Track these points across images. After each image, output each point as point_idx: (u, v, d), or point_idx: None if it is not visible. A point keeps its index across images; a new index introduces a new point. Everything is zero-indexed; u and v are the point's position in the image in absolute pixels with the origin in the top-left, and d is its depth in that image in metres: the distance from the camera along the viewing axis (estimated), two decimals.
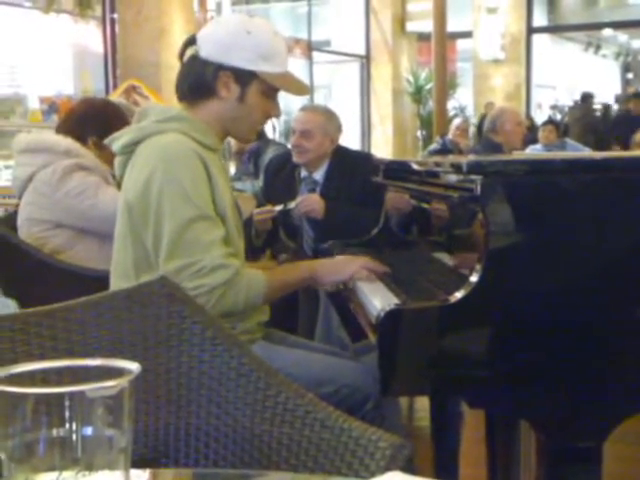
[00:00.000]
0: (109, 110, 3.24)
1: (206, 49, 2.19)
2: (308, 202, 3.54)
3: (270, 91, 2.25)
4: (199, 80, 2.21)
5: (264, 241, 3.51)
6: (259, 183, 4.43)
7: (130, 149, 2.18)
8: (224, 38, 2.19)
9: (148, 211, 2.07)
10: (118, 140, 2.21)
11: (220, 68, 2.19)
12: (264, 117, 2.33)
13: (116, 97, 7.62)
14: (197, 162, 2.09)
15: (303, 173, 3.75)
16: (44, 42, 9.82)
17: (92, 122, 3.12)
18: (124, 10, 9.21)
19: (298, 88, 2.35)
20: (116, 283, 2.21)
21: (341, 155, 3.73)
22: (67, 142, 2.99)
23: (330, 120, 3.76)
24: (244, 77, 2.20)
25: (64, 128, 3.15)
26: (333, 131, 3.72)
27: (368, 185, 3.13)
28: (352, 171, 3.64)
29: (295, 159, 3.70)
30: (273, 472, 1.24)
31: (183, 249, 2.04)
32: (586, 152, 8.51)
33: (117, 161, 2.24)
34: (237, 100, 2.22)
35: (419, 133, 14.51)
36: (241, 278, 2.08)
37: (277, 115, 2.36)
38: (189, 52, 2.24)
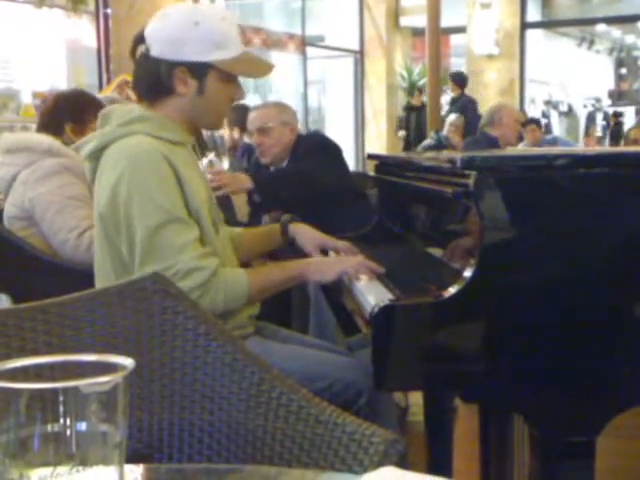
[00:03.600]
0: (81, 97, 3.28)
1: (156, 47, 2.15)
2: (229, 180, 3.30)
3: (229, 76, 2.21)
4: (155, 80, 2.17)
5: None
6: None
7: (96, 155, 2.16)
8: (172, 34, 2.14)
9: (118, 218, 2.05)
10: (86, 145, 2.19)
11: (174, 65, 2.15)
12: (229, 103, 2.29)
13: (109, 92, 7.61)
14: (163, 164, 2.06)
15: (271, 169, 3.69)
16: (37, 37, 9.79)
17: (65, 110, 3.15)
18: (117, 5, 9.19)
19: (258, 69, 2.31)
20: (99, 283, 2.21)
21: (300, 143, 3.64)
22: (49, 141, 3.00)
23: (284, 110, 3.67)
24: (199, 70, 2.16)
25: (41, 124, 3.16)
26: (291, 119, 3.63)
27: (333, 170, 3.08)
28: (309, 157, 3.55)
29: (262, 160, 3.63)
30: (267, 467, 1.24)
31: (156, 254, 2.02)
32: (579, 147, 8.52)
33: (87, 167, 2.22)
34: (196, 94, 2.18)
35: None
36: (218, 279, 2.05)
37: (241, 97, 2.31)
38: (139, 50, 2.19)
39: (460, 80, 12.38)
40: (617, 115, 14.13)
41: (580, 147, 9.45)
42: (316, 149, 3.45)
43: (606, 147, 12.34)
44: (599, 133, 15.23)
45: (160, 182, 2.05)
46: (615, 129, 13.72)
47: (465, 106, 11.76)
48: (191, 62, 2.15)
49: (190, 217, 2.09)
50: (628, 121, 14.49)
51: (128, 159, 2.07)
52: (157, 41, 2.15)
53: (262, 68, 2.32)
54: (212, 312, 2.02)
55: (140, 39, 2.19)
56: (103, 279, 2.19)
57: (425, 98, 12.71)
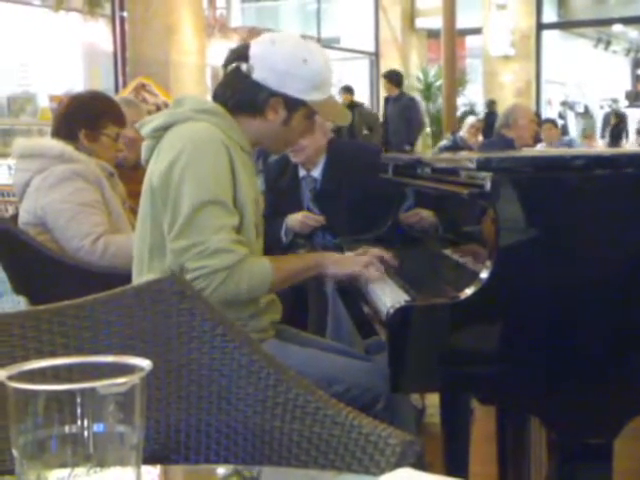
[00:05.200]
0: (96, 101, 3.23)
1: (261, 73, 2.20)
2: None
3: (313, 114, 2.30)
4: (249, 100, 2.23)
5: (290, 241, 3.47)
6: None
7: (159, 134, 2.21)
8: (280, 65, 2.20)
9: (169, 191, 2.11)
10: (149, 123, 2.24)
11: (273, 94, 2.21)
12: (300, 136, 2.41)
13: (126, 95, 7.64)
14: (222, 152, 2.13)
15: (302, 172, 3.64)
16: (54, 40, 9.85)
17: (79, 115, 3.11)
18: (133, 8, 9.23)
19: (339, 113, 2.42)
20: (134, 270, 2.26)
21: (337, 148, 3.62)
22: (60, 146, 2.98)
23: None
24: (294, 104, 2.23)
25: (54, 129, 3.15)
26: (324, 122, 3.61)
27: (372, 177, 3.09)
28: (351, 162, 3.55)
29: (293, 159, 3.61)
30: (283, 468, 1.24)
31: (193, 229, 2.07)
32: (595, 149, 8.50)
33: (144, 145, 2.27)
34: (282, 123, 2.25)
35: (428, 130, 14.50)
36: (244, 265, 2.09)
37: (312, 133, 2.41)
38: (240, 66, 2.23)
39: (396, 79, 11.84)
40: (619, 116, 14.11)
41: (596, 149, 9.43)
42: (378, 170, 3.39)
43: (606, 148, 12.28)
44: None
45: (215, 166, 2.11)
46: (616, 130, 13.68)
47: (407, 106, 11.39)
48: (289, 96, 2.22)
49: (235, 208, 2.14)
50: None
51: (190, 139, 2.13)
52: (263, 67, 2.20)
53: (342, 114, 2.43)
54: (235, 297, 2.09)
55: (242, 56, 2.24)
56: (137, 261, 2.24)
57: (355, 98, 12.41)
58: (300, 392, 1.27)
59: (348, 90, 12.35)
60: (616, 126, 14.57)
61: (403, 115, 11.27)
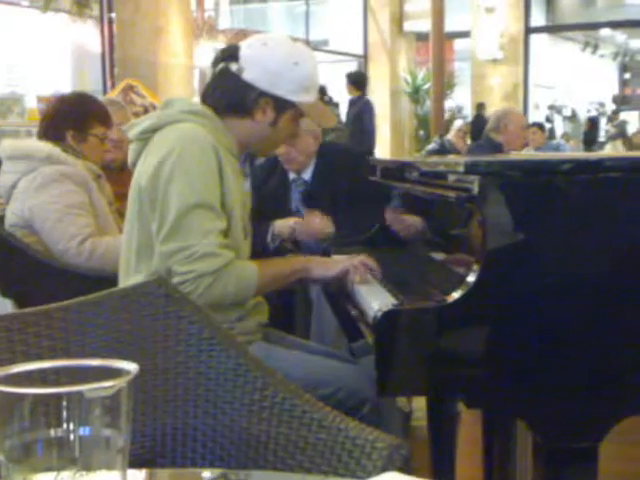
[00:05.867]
0: (82, 102, 3.23)
1: (252, 73, 2.21)
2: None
3: (299, 116, 2.32)
4: (238, 99, 2.23)
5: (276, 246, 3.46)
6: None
7: (147, 136, 2.21)
8: (271, 66, 2.21)
9: (156, 194, 2.11)
10: (136, 126, 2.23)
11: (262, 95, 2.22)
12: (287, 138, 2.41)
13: (114, 96, 7.62)
14: (211, 154, 2.13)
15: (292, 175, 3.66)
16: (42, 41, 9.82)
17: (67, 117, 3.11)
18: (121, 9, 9.19)
19: (325, 116, 2.43)
20: (121, 272, 2.26)
21: (326, 151, 3.64)
22: (48, 148, 2.98)
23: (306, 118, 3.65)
24: (282, 105, 2.25)
25: (41, 130, 3.14)
26: (313, 126, 3.62)
27: (359, 181, 3.09)
28: (339, 165, 3.55)
29: (287, 167, 3.62)
30: (270, 472, 1.24)
31: (181, 233, 2.07)
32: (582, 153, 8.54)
33: (132, 148, 2.27)
34: (270, 124, 2.26)
35: (417, 133, 14.52)
36: (231, 269, 2.10)
37: (296, 137, 2.49)
38: (230, 66, 2.24)
39: (358, 81, 11.27)
40: (592, 121, 14.17)
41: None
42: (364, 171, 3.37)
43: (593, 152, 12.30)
44: (602, 138, 15.26)
45: (203, 168, 2.11)
46: (589, 134, 13.72)
47: (361, 110, 10.98)
48: (279, 97, 2.23)
49: (223, 210, 2.14)
50: (632, 126, 14.48)
51: (178, 141, 2.13)
52: (254, 67, 2.22)
53: (328, 116, 2.46)
54: (222, 300, 2.10)
55: (231, 56, 2.25)
56: (124, 264, 2.24)
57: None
58: (287, 396, 1.27)
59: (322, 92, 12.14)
60: (589, 131, 14.63)
61: (357, 118, 11.09)
